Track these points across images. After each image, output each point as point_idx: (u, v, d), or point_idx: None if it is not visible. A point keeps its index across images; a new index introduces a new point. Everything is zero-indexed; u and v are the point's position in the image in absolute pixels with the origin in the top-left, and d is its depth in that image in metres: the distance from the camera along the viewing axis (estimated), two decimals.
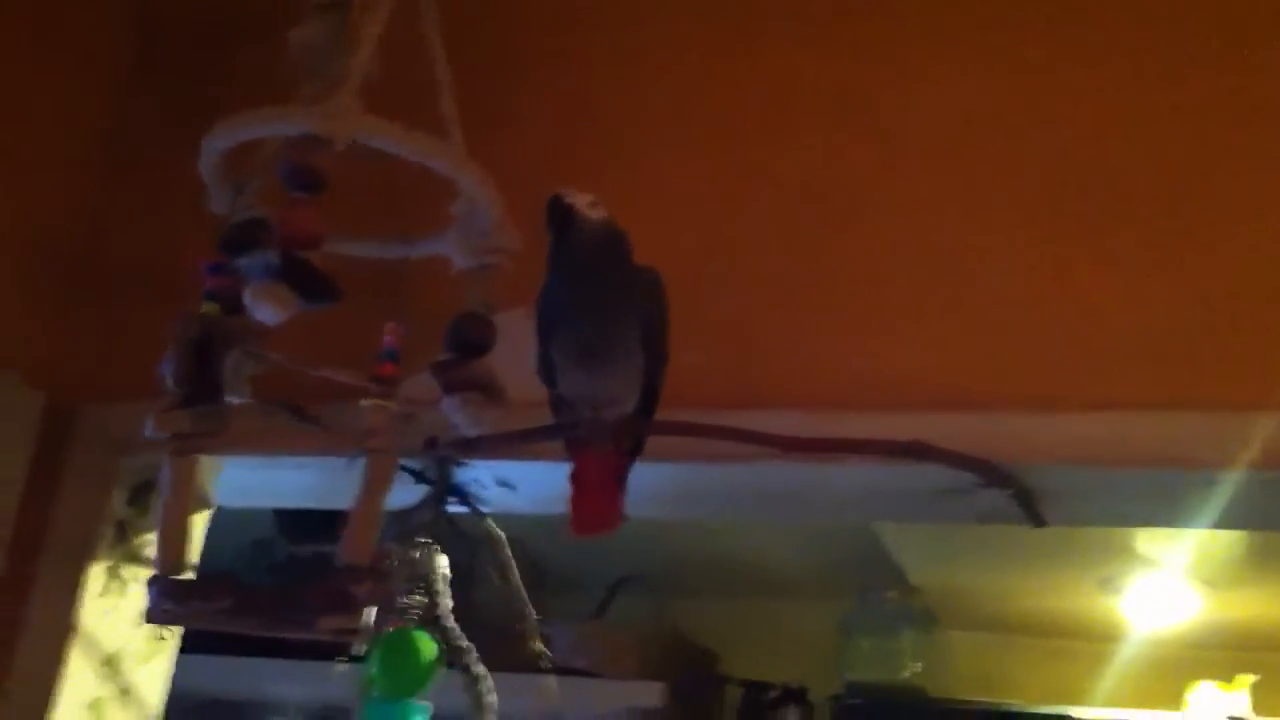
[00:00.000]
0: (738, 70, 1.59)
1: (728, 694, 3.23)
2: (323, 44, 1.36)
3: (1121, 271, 1.38)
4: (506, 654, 1.44)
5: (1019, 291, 1.40)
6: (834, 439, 1.28)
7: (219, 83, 1.76)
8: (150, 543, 1.64)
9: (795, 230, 1.49)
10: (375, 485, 1.28)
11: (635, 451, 1.33)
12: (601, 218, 1.25)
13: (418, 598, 1.39)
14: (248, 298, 1.23)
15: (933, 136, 1.49)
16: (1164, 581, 2.88)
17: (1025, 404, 1.35)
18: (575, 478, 1.32)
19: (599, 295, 1.26)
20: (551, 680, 1.43)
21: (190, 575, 1.33)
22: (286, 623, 1.26)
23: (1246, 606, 2.94)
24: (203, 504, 1.70)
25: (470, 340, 1.33)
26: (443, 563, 1.41)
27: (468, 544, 1.45)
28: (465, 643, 1.41)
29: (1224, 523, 1.39)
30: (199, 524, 1.69)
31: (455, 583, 1.42)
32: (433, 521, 1.42)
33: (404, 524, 1.40)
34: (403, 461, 1.36)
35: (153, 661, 1.69)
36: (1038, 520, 1.37)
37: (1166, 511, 1.41)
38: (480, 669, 1.41)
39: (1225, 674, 2.96)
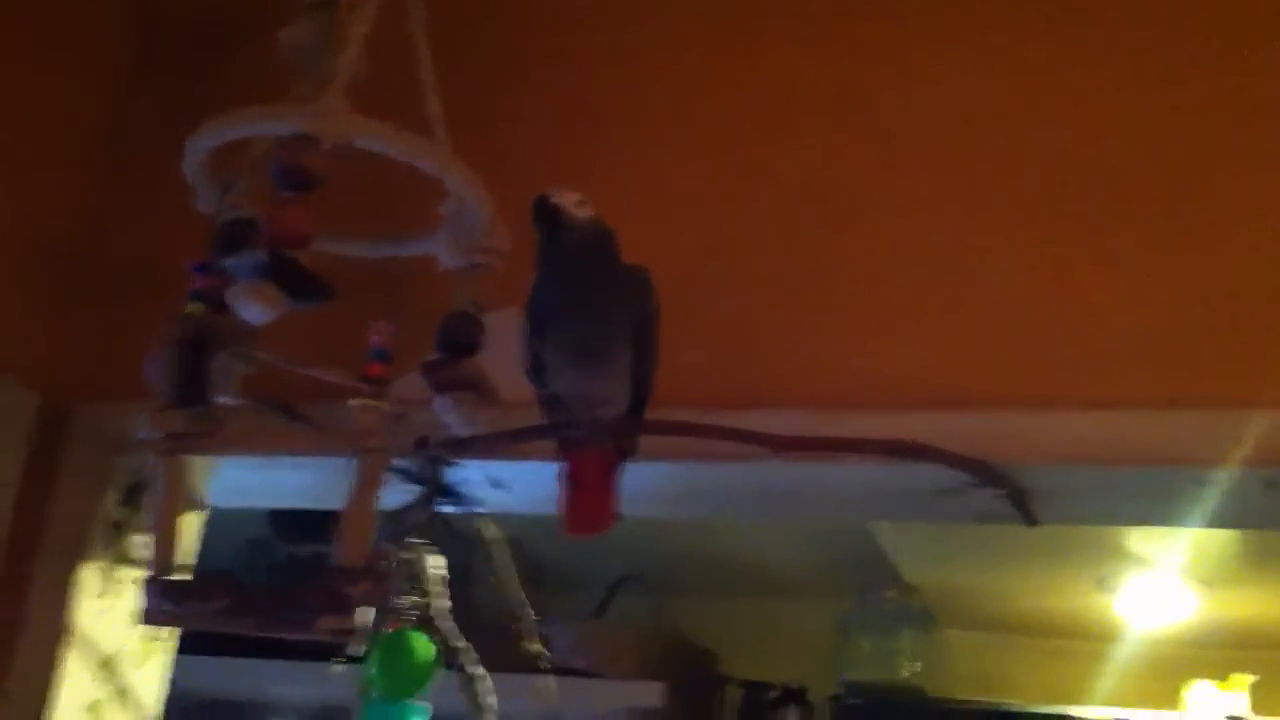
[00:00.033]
0: (736, 70, 1.59)
1: (727, 694, 3.23)
2: (312, 43, 1.36)
3: (1117, 272, 1.38)
4: (505, 654, 1.44)
5: (1016, 292, 1.40)
6: (828, 438, 1.28)
7: (218, 82, 1.76)
8: (143, 543, 1.64)
9: (794, 230, 1.49)
10: (367, 485, 1.28)
11: (628, 451, 1.33)
12: (589, 217, 1.25)
13: (415, 598, 1.39)
14: (234, 297, 1.23)
15: (932, 137, 1.49)
16: (1160, 581, 2.88)
17: (1021, 403, 1.35)
18: (568, 477, 1.31)
19: (590, 295, 1.26)
20: (550, 680, 1.43)
21: (186, 576, 1.33)
22: (285, 623, 1.26)
23: (1243, 605, 2.94)
24: (196, 504, 1.69)
25: (460, 340, 1.33)
26: (439, 563, 1.41)
27: (465, 544, 1.45)
28: (463, 643, 1.41)
29: (1218, 522, 1.39)
30: (193, 524, 1.69)
31: (453, 583, 1.42)
32: (427, 522, 1.42)
33: (398, 524, 1.40)
34: (394, 462, 1.36)
35: (149, 663, 1.69)
36: (1031, 520, 1.37)
37: (1161, 510, 1.41)
38: (478, 669, 1.41)
39: (1222, 673, 2.96)
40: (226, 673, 2.92)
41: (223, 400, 1.35)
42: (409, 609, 1.38)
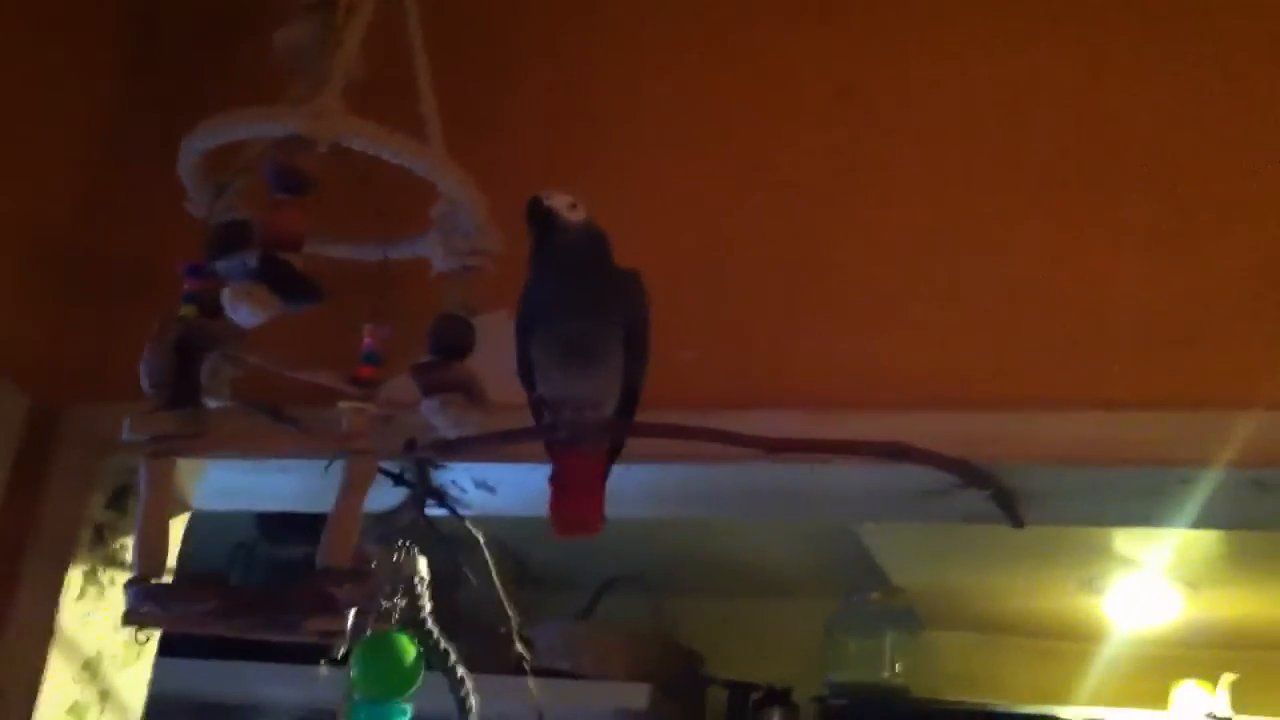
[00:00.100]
0: (730, 68, 1.59)
1: (711, 695, 3.23)
2: (308, 44, 1.35)
3: (1107, 275, 1.38)
4: (492, 656, 1.44)
5: (1006, 295, 1.41)
6: (816, 440, 1.28)
7: (213, 84, 1.76)
8: (129, 546, 1.63)
9: (789, 229, 1.50)
10: (355, 487, 1.28)
11: (615, 453, 1.33)
12: (581, 219, 1.25)
13: (399, 600, 1.39)
14: (226, 299, 1.23)
15: (930, 136, 1.49)
16: (1146, 582, 2.88)
17: (1011, 404, 1.35)
18: (556, 480, 1.31)
19: (580, 297, 1.26)
20: (534, 682, 1.43)
21: (169, 579, 1.32)
22: (272, 625, 1.25)
23: (1229, 606, 2.94)
24: (182, 507, 1.69)
25: (450, 342, 1.33)
26: (423, 565, 1.41)
27: (450, 546, 1.45)
28: (446, 645, 1.40)
29: (1207, 522, 1.39)
30: (178, 527, 1.68)
31: (439, 585, 1.42)
32: (413, 524, 1.42)
33: (384, 526, 1.39)
34: (382, 464, 1.35)
35: (133, 666, 1.68)
36: (1016, 521, 1.38)
37: (1150, 511, 1.41)
38: (461, 671, 1.41)
39: (1209, 673, 2.97)
40: (212, 675, 2.91)
41: (212, 402, 1.35)
42: (394, 610, 1.38)
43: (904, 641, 3.17)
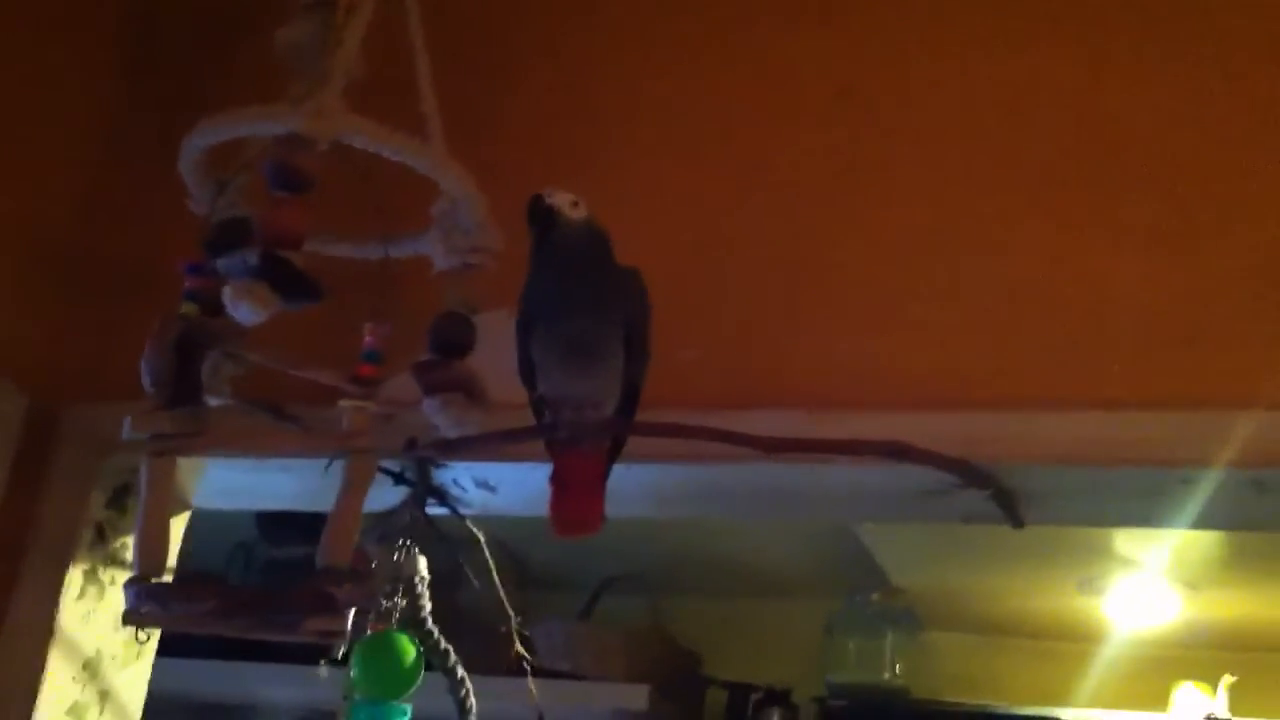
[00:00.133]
0: (731, 67, 1.59)
1: (711, 695, 3.23)
2: (309, 43, 1.35)
3: (1107, 275, 1.38)
4: (492, 656, 1.44)
5: (1006, 295, 1.41)
6: (815, 439, 1.28)
7: (214, 82, 1.76)
8: (129, 545, 1.63)
9: (790, 228, 1.50)
10: (355, 486, 1.28)
11: (615, 452, 1.33)
12: (583, 217, 1.25)
13: (399, 600, 1.39)
14: (227, 297, 1.23)
15: (929, 135, 1.49)
16: (1145, 583, 2.88)
17: (1011, 404, 1.35)
18: (556, 479, 1.31)
19: (581, 295, 1.26)
20: (533, 683, 1.43)
21: (169, 578, 1.32)
22: (272, 625, 1.25)
23: (1229, 607, 2.94)
24: (183, 505, 1.69)
25: (451, 341, 1.33)
26: (423, 564, 1.41)
27: (450, 546, 1.45)
28: (445, 645, 1.40)
29: (1207, 523, 1.39)
30: (179, 526, 1.68)
31: (439, 585, 1.42)
32: (413, 523, 1.42)
33: (385, 526, 1.39)
34: (382, 463, 1.35)
35: (133, 666, 1.68)
36: (1017, 521, 1.38)
37: (1150, 511, 1.41)
38: (461, 671, 1.41)
39: (1209, 674, 2.97)
40: (212, 676, 2.91)
41: (212, 401, 1.35)
42: (394, 610, 1.38)
43: (904, 642, 3.17)
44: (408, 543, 1.41)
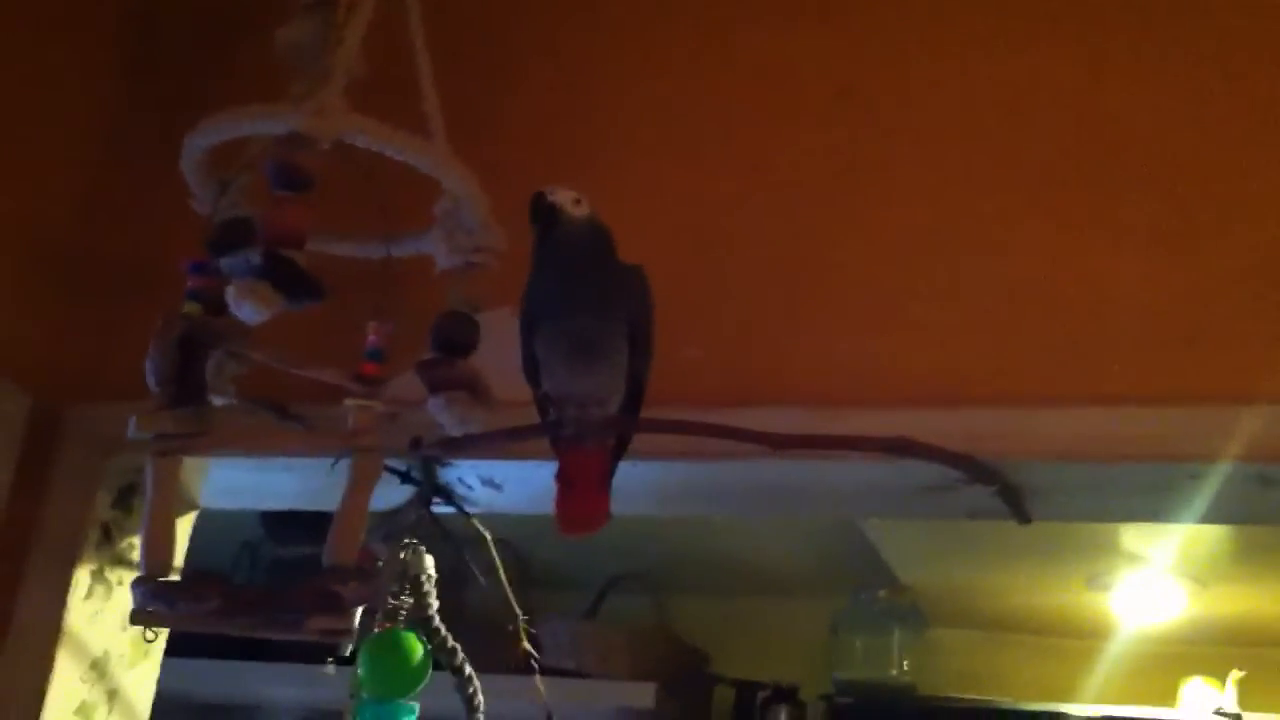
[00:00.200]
0: (732, 66, 1.59)
1: (718, 694, 3.23)
2: (309, 42, 1.36)
3: (1112, 270, 1.38)
4: (498, 655, 1.44)
5: (1010, 290, 1.41)
6: (822, 436, 1.28)
7: (215, 82, 1.76)
8: (135, 545, 1.63)
9: (792, 226, 1.50)
10: (360, 485, 1.28)
11: (621, 449, 1.33)
12: (585, 215, 1.26)
13: (405, 598, 1.39)
14: (230, 296, 1.23)
15: (929, 133, 1.49)
16: (1152, 578, 2.88)
17: (1017, 400, 1.35)
18: (561, 477, 1.31)
19: (584, 293, 1.26)
20: (540, 681, 1.43)
21: (177, 577, 1.33)
22: (276, 624, 1.25)
23: (1236, 602, 2.94)
24: (188, 505, 1.69)
25: (454, 339, 1.33)
26: (429, 563, 1.41)
27: (457, 545, 1.45)
28: (452, 643, 1.41)
29: (1213, 517, 1.39)
30: (184, 526, 1.68)
31: (446, 584, 1.42)
32: (418, 522, 1.42)
33: (390, 524, 1.40)
34: (388, 462, 1.35)
35: (140, 665, 1.68)
36: (1023, 517, 1.38)
37: (1155, 506, 1.41)
38: (469, 670, 1.41)
39: (1216, 669, 2.97)
40: (218, 676, 2.92)
41: (216, 400, 1.35)
42: (400, 609, 1.38)
43: (910, 639, 3.17)
44: (414, 541, 1.41)
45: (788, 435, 1.26)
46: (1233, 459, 1.27)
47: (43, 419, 1.65)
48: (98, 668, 1.63)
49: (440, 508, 1.48)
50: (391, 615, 1.38)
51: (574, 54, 1.67)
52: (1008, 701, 3.01)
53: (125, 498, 1.66)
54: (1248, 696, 2.91)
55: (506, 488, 1.53)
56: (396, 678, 1.35)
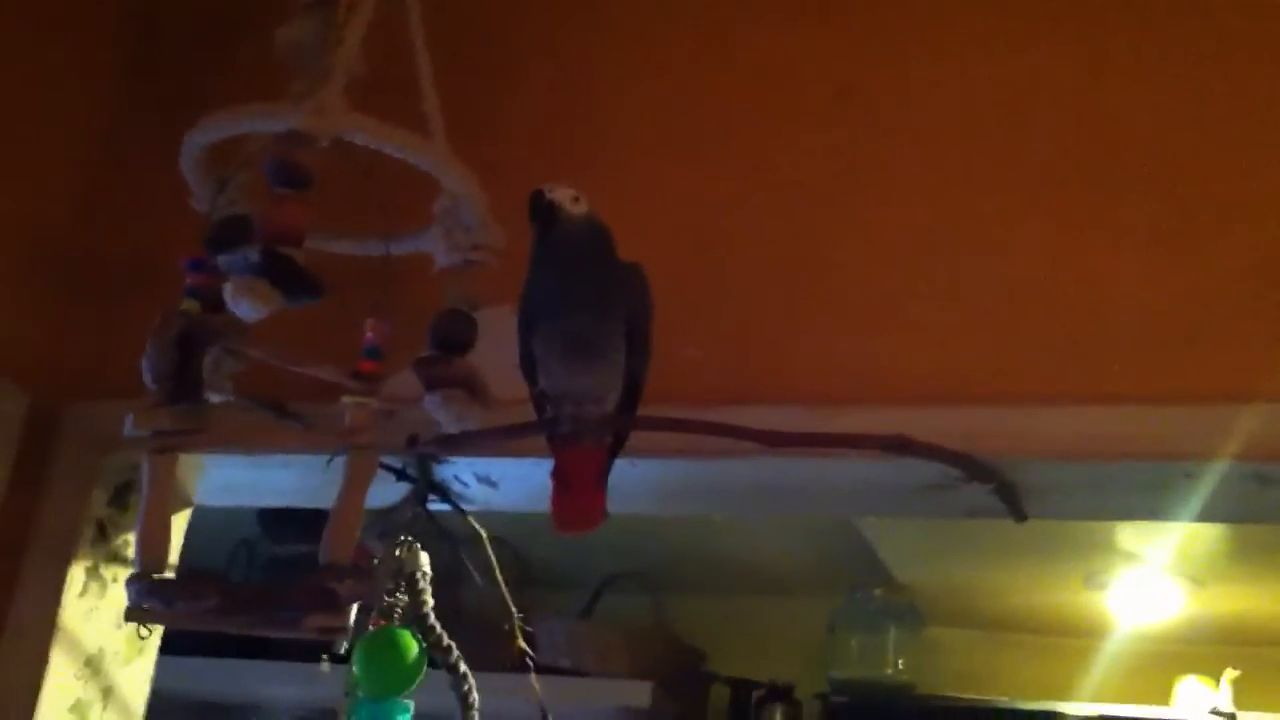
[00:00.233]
0: (731, 65, 1.59)
1: (714, 692, 3.23)
2: (309, 41, 1.36)
3: (1110, 269, 1.38)
4: (494, 653, 1.44)
5: (1009, 289, 1.41)
6: (819, 434, 1.28)
7: (215, 80, 1.76)
8: (131, 542, 1.63)
9: (790, 225, 1.50)
10: (356, 482, 1.28)
11: (617, 448, 1.33)
12: (584, 212, 1.26)
13: (401, 596, 1.39)
14: (228, 294, 1.23)
15: (929, 132, 1.49)
16: (1149, 577, 2.88)
17: (1014, 399, 1.35)
18: (557, 475, 1.31)
19: (583, 290, 1.26)
20: (536, 680, 1.43)
21: (173, 575, 1.33)
22: (273, 622, 1.26)
23: (1232, 601, 2.94)
24: (184, 502, 1.69)
25: (452, 337, 1.33)
26: (425, 561, 1.41)
27: (453, 542, 1.45)
28: (447, 641, 1.40)
29: (1209, 516, 1.39)
30: (180, 523, 1.68)
31: (442, 582, 1.42)
32: (414, 519, 1.42)
33: (386, 522, 1.40)
34: (384, 459, 1.35)
35: (135, 662, 1.68)
36: (1019, 515, 1.38)
37: (1152, 505, 1.41)
38: (464, 668, 1.41)
39: (1212, 668, 2.97)
40: (214, 674, 2.92)
41: (214, 397, 1.35)
42: (396, 607, 1.38)
43: (907, 638, 3.17)
44: (410, 539, 1.41)
45: (785, 433, 1.26)
46: (1231, 457, 1.27)
47: (41, 417, 1.65)
48: (92, 665, 1.62)
49: (436, 505, 1.48)
50: (387, 613, 1.38)
51: (574, 54, 1.66)
52: (1004, 700, 3.02)
53: (121, 495, 1.66)
54: (1243, 695, 2.92)
55: (503, 485, 1.53)
56: (392, 675, 1.35)
